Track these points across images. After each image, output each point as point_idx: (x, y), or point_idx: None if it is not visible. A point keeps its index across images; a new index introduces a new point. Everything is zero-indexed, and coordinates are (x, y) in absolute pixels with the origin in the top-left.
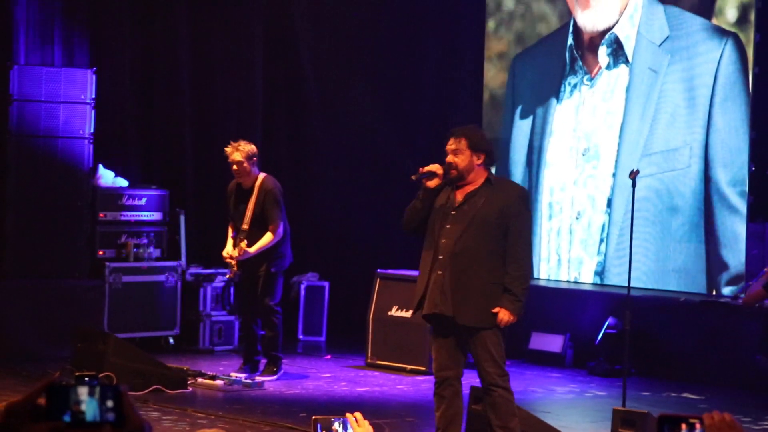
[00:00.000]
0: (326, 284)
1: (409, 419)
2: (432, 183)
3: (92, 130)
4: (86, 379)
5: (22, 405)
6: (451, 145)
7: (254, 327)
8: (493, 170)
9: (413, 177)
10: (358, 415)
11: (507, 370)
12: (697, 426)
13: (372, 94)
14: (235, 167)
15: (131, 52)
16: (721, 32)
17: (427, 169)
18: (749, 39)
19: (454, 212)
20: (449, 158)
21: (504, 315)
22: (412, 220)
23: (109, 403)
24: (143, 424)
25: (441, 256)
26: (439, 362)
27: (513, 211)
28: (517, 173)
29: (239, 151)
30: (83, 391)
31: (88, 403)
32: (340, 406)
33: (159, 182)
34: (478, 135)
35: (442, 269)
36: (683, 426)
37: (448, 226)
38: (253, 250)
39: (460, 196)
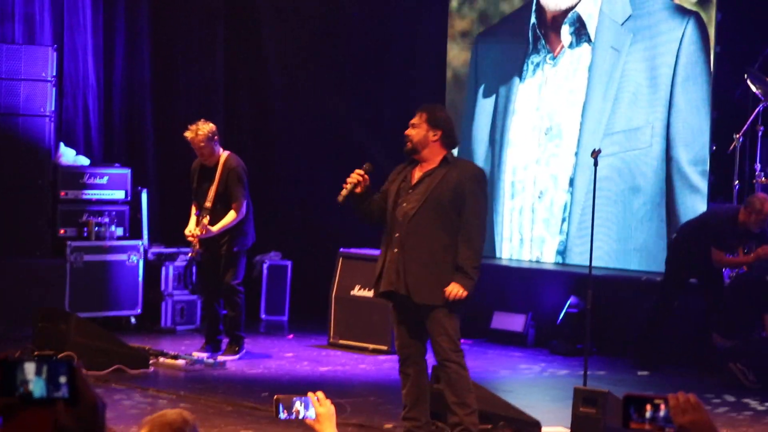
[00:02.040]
0: (289, 263)
1: (371, 398)
2: (359, 189)
3: (53, 108)
4: (52, 358)
5: None
6: (413, 119)
7: (216, 306)
8: (455, 151)
9: (339, 200)
10: (320, 394)
11: (466, 348)
12: (662, 407)
13: (335, 74)
14: (197, 150)
15: (93, 29)
16: (682, 11)
17: (348, 186)
18: (711, 18)
19: (410, 190)
20: (407, 131)
21: (453, 288)
22: (364, 220)
23: (62, 379)
24: (97, 400)
25: (396, 234)
26: (400, 340)
27: (467, 190)
28: (480, 152)
29: (199, 134)
30: (30, 369)
31: (35, 381)
32: (302, 386)
33: (121, 161)
34: (439, 112)
35: (398, 247)
36: (648, 407)
37: (404, 205)
38: (215, 228)
39: (417, 174)
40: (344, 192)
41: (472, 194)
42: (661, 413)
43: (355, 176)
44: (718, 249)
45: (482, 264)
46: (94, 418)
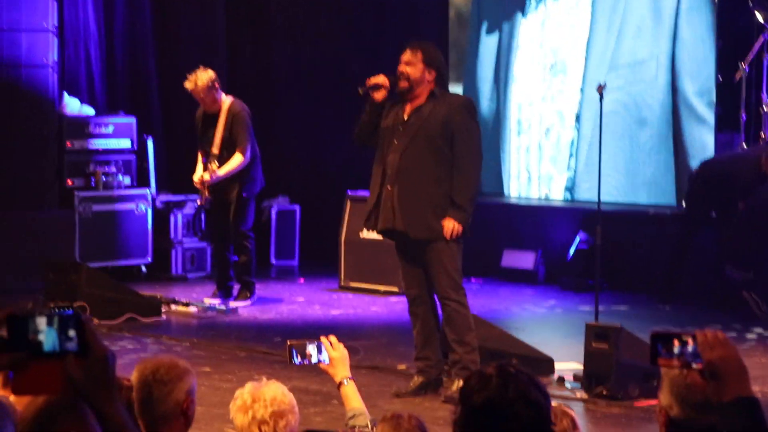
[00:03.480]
0: (297, 207)
1: (383, 340)
2: (379, 95)
3: (56, 59)
4: (60, 309)
5: None
6: (406, 56)
7: (226, 253)
8: (462, 89)
9: (360, 90)
10: (332, 338)
11: (476, 286)
12: (690, 342)
13: (336, 17)
14: (199, 99)
15: None
16: None
17: (373, 81)
18: None
19: (401, 128)
20: (401, 67)
21: (449, 224)
22: (362, 133)
23: (71, 333)
24: (106, 352)
25: (389, 172)
26: (406, 281)
27: (456, 121)
28: (485, 90)
29: (198, 84)
30: (42, 321)
31: (46, 333)
32: (314, 330)
33: (125, 109)
34: (435, 52)
35: (391, 184)
36: (676, 342)
37: (395, 142)
38: (222, 172)
39: (407, 111)
40: (369, 83)
41: (461, 125)
42: (689, 348)
43: (382, 77)
44: (743, 199)
45: (490, 203)
46: (104, 369)
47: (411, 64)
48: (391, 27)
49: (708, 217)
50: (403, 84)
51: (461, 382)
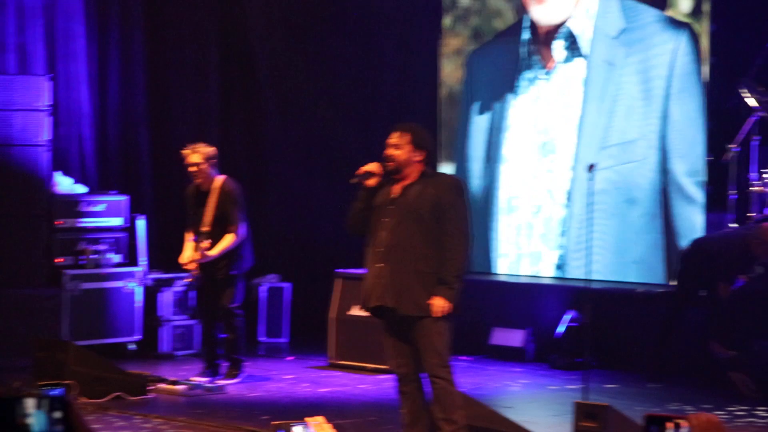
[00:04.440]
0: (287, 285)
1: (371, 418)
2: (371, 182)
3: (49, 138)
4: (48, 388)
5: None
6: (393, 139)
7: (214, 330)
8: (453, 169)
9: (352, 180)
10: (320, 418)
11: (465, 365)
12: (683, 425)
13: (328, 94)
14: (192, 169)
15: (87, 58)
16: (675, 24)
17: (364, 169)
18: (703, 29)
19: (391, 206)
20: (389, 150)
21: (438, 302)
22: (356, 221)
23: (57, 414)
24: None
25: (380, 249)
26: (395, 359)
27: (445, 201)
28: (476, 169)
29: (197, 153)
30: (30, 404)
31: (35, 416)
32: (302, 408)
33: (118, 188)
34: (423, 133)
35: (382, 261)
36: (669, 425)
37: (386, 219)
38: (214, 252)
39: (397, 190)
40: (360, 171)
41: (451, 205)
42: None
43: (374, 165)
44: (728, 278)
45: (480, 281)
46: None
47: (398, 147)
48: (383, 105)
49: (697, 296)
50: (391, 165)
51: None
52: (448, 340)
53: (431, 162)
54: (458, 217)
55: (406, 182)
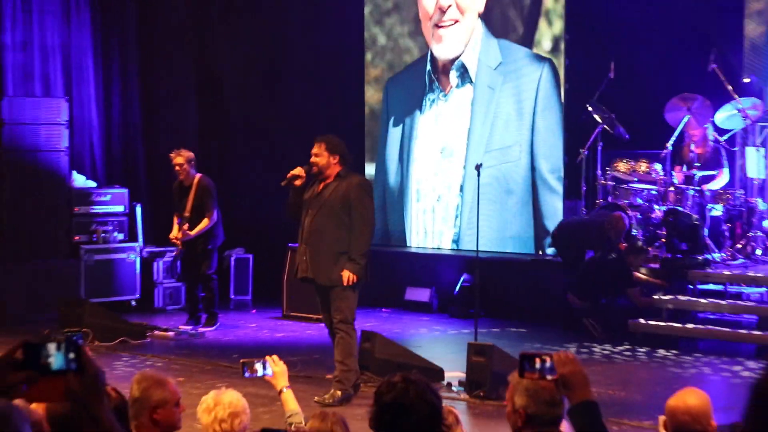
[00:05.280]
0: (251, 256)
1: (315, 356)
2: (298, 182)
3: (67, 145)
4: (70, 334)
5: (4, 359)
6: (314, 149)
7: (196, 290)
8: (373, 167)
9: (282, 183)
10: (275, 357)
11: (385, 316)
12: (548, 360)
13: (279, 112)
14: (177, 168)
15: (95, 83)
16: (539, 58)
17: (291, 173)
18: (560, 63)
19: (313, 200)
20: (312, 158)
21: (345, 274)
22: (291, 210)
23: (71, 355)
24: (98, 370)
25: (305, 233)
26: (323, 314)
27: (353, 196)
28: (392, 168)
29: (181, 156)
30: (52, 347)
31: (55, 356)
32: (263, 348)
33: (120, 183)
34: (334, 140)
35: (305, 243)
36: (537, 360)
37: (310, 210)
38: (193, 232)
39: (319, 187)
40: (289, 176)
41: (357, 200)
42: (547, 365)
43: (298, 169)
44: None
45: (397, 252)
46: (96, 383)
47: (318, 155)
48: (321, 120)
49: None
50: (314, 169)
51: (337, 393)
52: (351, 304)
53: (347, 163)
54: (363, 209)
55: (327, 181)
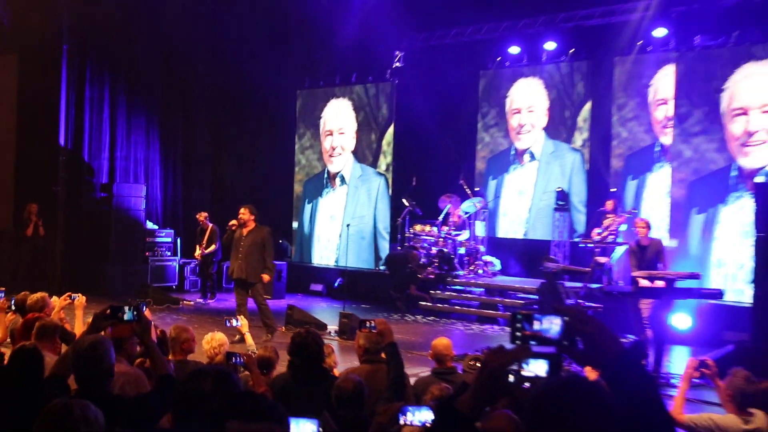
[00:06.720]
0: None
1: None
2: (234, 228)
3: (143, 207)
4: (141, 302)
5: (100, 314)
6: (241, 211)
7: (206, 281)
8: (297, 223)
9: (227, 227)
10: (242, 315)
11: (297, 298)
12: (373, 322)
13: (235, 164)
14: (201, 221)
15: (160, 177)
16: (377, 173)
17: (230, 223)
18: (390, 177)
19: (241, 240)
20: (239, 215)
21: (265, 276)
22: (229, 244)
23: (135, 313)
24: (148, 321)
25: (239, 255)
26: (238, 297)
27: (265, 239)
28: (306, 225)
29: (202, 215)
30: (126, 308)
31: (127, 313)
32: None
33: (169, 226)
34: (252, 208)
35: (239, 261)
36: (368, 322)
37: (241, 245)
38: (206, 251)
39: (243, 232)
40: (229, 225)
41: (266, 241)
42: (373, 324)
43: (234, 221)
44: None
45: (304, 264)
46: (147, 327)
47: (244, 214)
48: (264, 166)
49: (389, 274)
50: (241, 221)
51: (269, 335)
52: (264, 291)
53: (259, 221)
54: (269, 246)
55: (247, 229)
